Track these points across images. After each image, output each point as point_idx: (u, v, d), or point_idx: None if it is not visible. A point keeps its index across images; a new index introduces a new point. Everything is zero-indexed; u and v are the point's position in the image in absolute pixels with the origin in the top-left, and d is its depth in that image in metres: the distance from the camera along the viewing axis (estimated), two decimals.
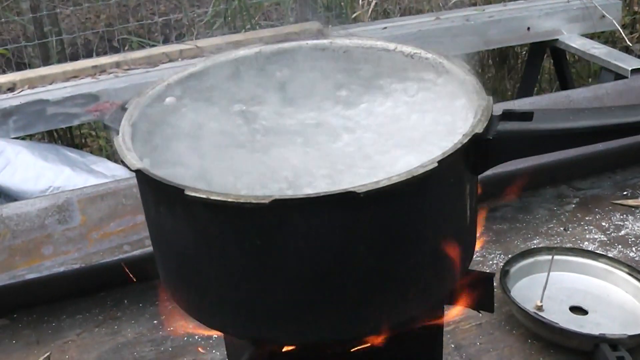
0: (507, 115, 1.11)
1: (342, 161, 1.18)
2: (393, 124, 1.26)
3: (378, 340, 1.16)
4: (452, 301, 1.27)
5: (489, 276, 1.27)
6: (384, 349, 1.20)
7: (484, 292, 1.27)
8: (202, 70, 1.34)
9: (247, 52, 1.37)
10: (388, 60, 1.35)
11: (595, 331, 1.87)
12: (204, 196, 0.96)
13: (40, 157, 3.03)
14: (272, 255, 1.01)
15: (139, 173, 1.03)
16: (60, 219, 2.09)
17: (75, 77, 3.23)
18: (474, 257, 1.28)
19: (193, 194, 0.96)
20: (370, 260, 1.03)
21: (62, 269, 2.06)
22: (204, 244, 1.04)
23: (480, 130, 1.04)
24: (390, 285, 1.06)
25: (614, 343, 1.78)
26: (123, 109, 1.19)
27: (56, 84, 3.18)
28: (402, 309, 1.10)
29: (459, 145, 1.01)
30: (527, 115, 1.09)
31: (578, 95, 2.51)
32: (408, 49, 1.32)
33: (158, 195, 1.07)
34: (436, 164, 0.97)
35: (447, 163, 0.99)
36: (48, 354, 1.95)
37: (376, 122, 1.28)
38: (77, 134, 3.77)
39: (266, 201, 0.94)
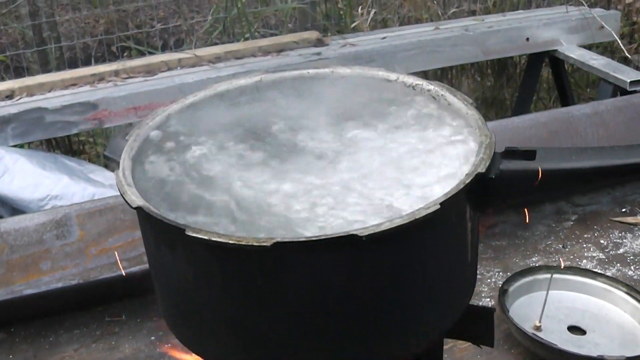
0: (510, 153, 1.10)
1: (340, 195, 1.17)
2: (393, 157, 1.25)
3: None
4: (452, 335, 1.27)
5: (490, 311, 1.27)
6: None
7: (484, 326, 1.27)
8: (203, 99, 1.33)
9: (247, 80, 1.37)
10: (389, 91, 1.35)
11: (594, 352, 1.87)
12: (205, 237, 0.95)
13: (38, 165, 3.02)
14: (273, 296, 1.01)
15: (140, 210, 1.02)
16: (59, 234, 2.08)
17: (73, 85, 3.22)
18: None
19: (194, 234, 0.96)
20: (372, 300, 1.02)
21: (60, 284, 2.06)
22: (204, 282, 1.04)
23: (483, 170, 1.03)
24: (391, 324, 1.06)
25: None
26: (123, 140, 1.18)
27: (55, 92, 3.16)
28: (402, 346, 1.10)
29: (462, 186, 1.01)
30: (529, 154, 1.08)
31: (578, 111, 2.51)
32: (410, 79, 1.32)
33: (158, 233, 1.06)
34: (438, 206, 0.97)
35: (450, 204, 0.99)
36: None
37: (375, 155, 1.26)
38: (75, 140, 3.76)
39: (267, 243, 0.93)
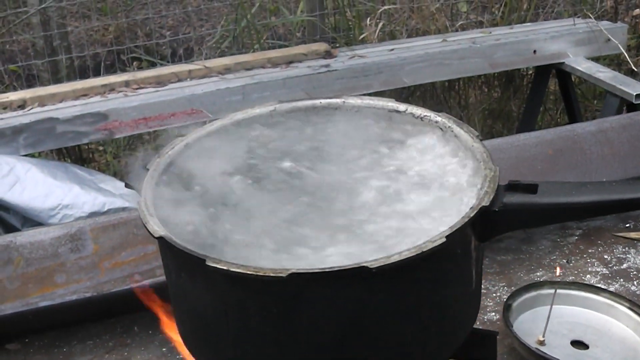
0: (513, 187, 1.15)
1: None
2: (398, 187, 1.29)
3: None
4: (456, 357, 1.31)
5: (493, 334, 1.31)
6: None
7: (487, 349, 1.31)
8: (220, 128, 1.37)
9: (262, 110, 1.41)
10: (398, 122, 1.39)
11: None
12: (224, 267, 1.00)
13: (49, 174, 3.05)
14: (288, 324, 1.05)
15: (161, 240, 1.07)
16: (73, 248, 2.13)
17: (84, 95, 3.26)
18: None
19: (214, 264, 1.00)
20: (382, 328, 1.07)
21: (74, 297, 2.10)
22: (223, 310, 1.08)
23: (487, 203, 1.08)
24: (399, 350, 1.10)
25: None
26: (145, 169, 1.22)
27: (66, 102, 3.20)
28: None
29: (466, 219, 1.05)
30: (531, 188, 1.13)
31: (583, 129, 2.54)
32: (418, 111, 1.36)
33: (179, 262, 1.11)
34: (444, 239, 1.01)
35: (455, 237, 1.03)
36: None
37: (382, 184, 1.31)
38: (84, 148, 3.80)
39: (283, 274, 0.98)
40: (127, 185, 1.23)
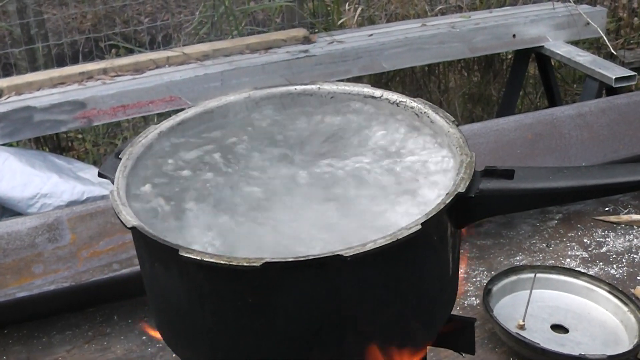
0: (489, 172, 1.14)
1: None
2: (373, 175, 1.28)
3: None
4: (434, 344, 1.30)
5: (471, 321, 1.30)
6: None
7: (466, 335, 1.31)
8: (193, 116, 1.36)
9: (236, 97, 1.40)
10: (374, 107, 1.38)
11: (576, 351, 1.92)
12: (197, 257, 0.99)
13: (27, 164, 3.03)
14: (264, 314, 1.04)
15: (134, 230, 1.05)
16: (51, 238, 2.11)
17: (62, 83, 3.23)
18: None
19: (187, 254, 0.99)
20: (358, 317, 1.06)
21: (52, 287, 2.08)
22: (198, 301, 1.07)
23: (463, 190, 1.07)
24: (376, 339, 1.09)
25: None
26: (117, 157, 1.21)
27: (43, 91, 3.18)
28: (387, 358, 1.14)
29: (442, 206, 1.04)
30: (508, 173, 1.12)
31: (562, 113, 2.53)
32: (394, 96, 1.35)
33: (153, 252, 1.09)
34: (419, 226, 1.00)
35: (431, 224, 1.02)
36: None
37: (357, 171, 1.29)
38: (63, 137, 3.78)
39: (257, 264, 0.97)
40: (100, 175, 1.21)
